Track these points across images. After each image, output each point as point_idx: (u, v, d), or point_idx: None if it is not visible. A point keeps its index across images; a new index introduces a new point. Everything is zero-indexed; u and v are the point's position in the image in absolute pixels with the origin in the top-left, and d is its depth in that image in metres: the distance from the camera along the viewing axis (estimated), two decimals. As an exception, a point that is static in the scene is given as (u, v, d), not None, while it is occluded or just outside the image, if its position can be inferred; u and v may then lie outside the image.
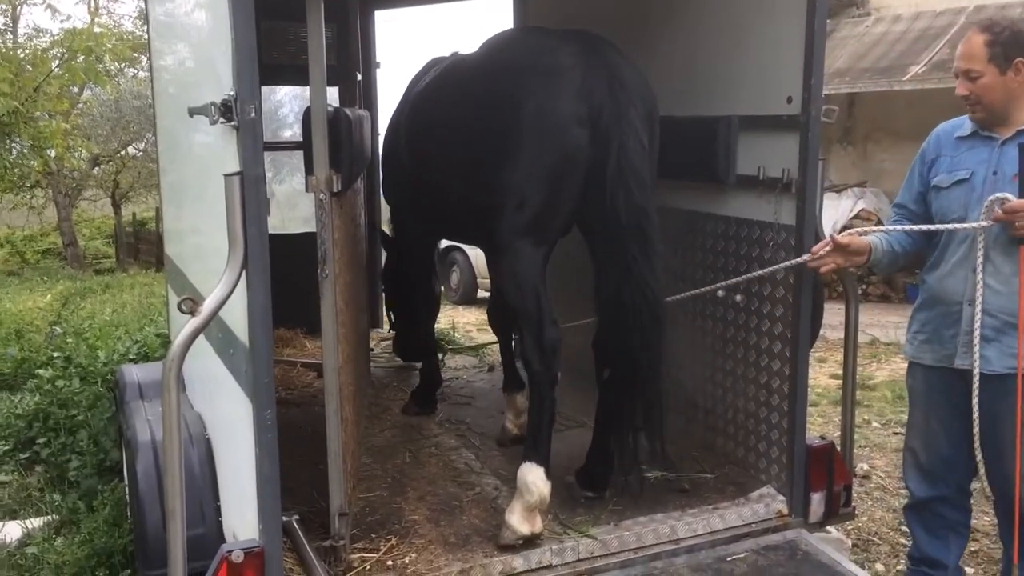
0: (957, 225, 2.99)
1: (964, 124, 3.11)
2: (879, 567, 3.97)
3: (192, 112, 2.37)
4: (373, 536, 2.94)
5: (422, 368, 4.40)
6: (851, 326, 3.26)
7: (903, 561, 3.88)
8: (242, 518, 2.53)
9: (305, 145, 2.72)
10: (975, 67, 2.94)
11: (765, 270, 3.19)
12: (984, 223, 2.87)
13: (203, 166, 2.84)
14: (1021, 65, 2.91)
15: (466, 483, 3.43)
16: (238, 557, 2.33)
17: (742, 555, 2.99)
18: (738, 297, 3.41)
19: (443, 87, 3.49)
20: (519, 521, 2.84)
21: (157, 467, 2.96)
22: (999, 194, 2.84)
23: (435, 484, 3.42)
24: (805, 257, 3.05)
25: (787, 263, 3.11)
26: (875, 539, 4.11)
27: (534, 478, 2.88)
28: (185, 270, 3.60)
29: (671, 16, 3.72)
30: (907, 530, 4.18)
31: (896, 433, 5.79)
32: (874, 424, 6.19)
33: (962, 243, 3.03)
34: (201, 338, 3.16)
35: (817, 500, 3.22)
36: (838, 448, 3.30)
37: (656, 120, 3.07)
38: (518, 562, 2.82)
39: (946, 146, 3.14)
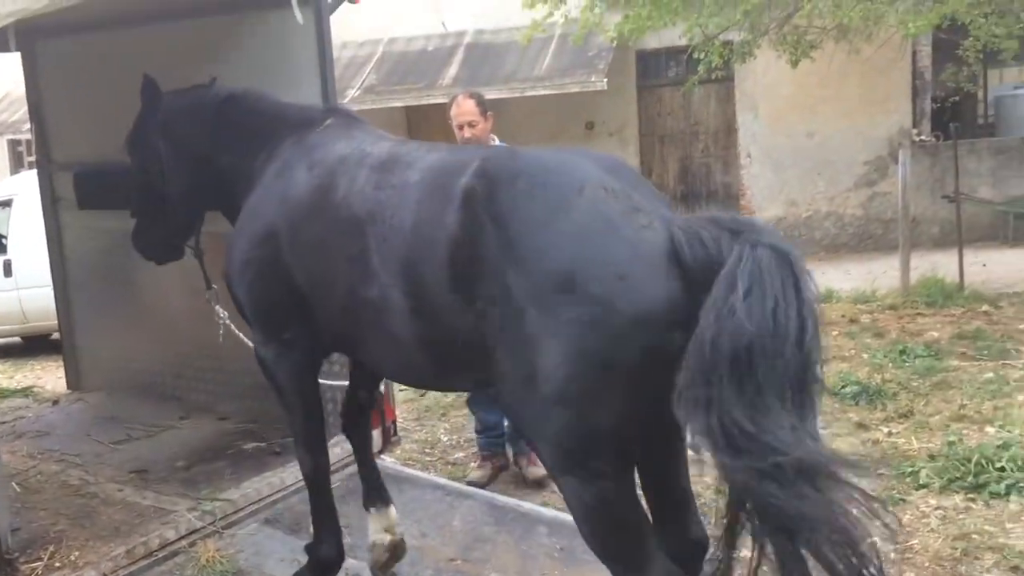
0: None
1: None
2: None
3: None
4: (30, 551, 3.30)
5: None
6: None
7: (433, 471, 5.27)
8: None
9: None
10: (475, 119, 4.59)
11: None
12: None
13: None
14: (489, 115, 4.64)
15: (88, 493, 3.88)
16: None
17: (340, 482, 4.01)
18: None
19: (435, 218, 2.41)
20: None
21: None
22: None
23: (61, 502, 3.80)
24: None
25: None
26: (410, 461, 5.45)
27: None
28: None
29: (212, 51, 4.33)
30: (429, 452, 5.68)
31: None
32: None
33: None
34: None
35: (376, 435, 4.39)
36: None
37: None
38: (170, 533, 3.47)
39: None
